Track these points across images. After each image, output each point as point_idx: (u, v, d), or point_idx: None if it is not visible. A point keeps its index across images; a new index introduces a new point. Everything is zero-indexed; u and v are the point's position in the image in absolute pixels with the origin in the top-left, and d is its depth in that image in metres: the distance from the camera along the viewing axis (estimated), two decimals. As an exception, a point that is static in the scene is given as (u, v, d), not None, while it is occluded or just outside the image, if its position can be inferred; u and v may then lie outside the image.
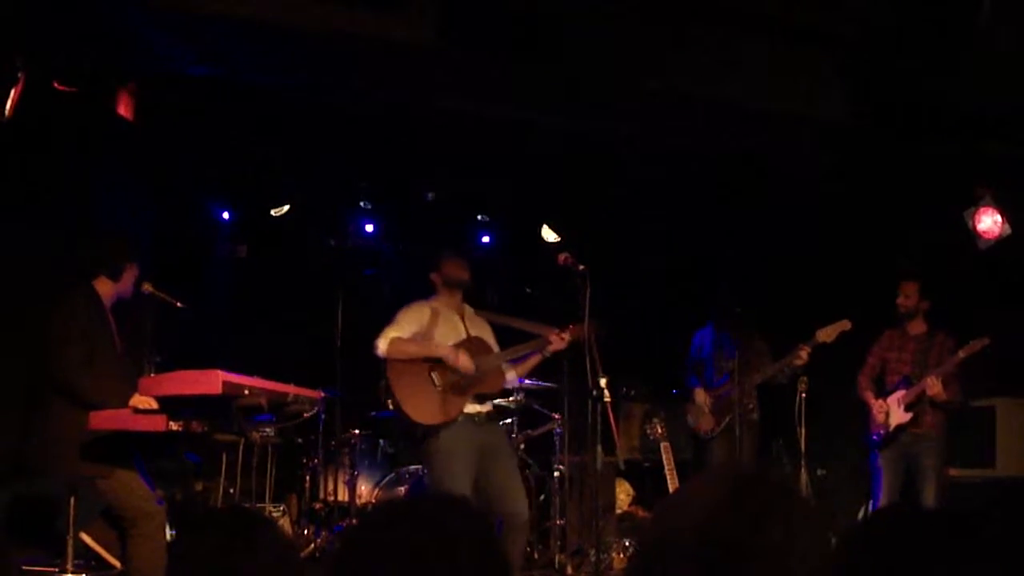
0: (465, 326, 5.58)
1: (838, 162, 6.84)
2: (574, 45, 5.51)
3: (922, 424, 6.38)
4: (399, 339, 5.36)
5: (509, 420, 7.26)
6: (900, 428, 6.42)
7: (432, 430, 5.27)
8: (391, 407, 5.62)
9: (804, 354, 6.45)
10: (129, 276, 4.99)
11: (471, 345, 5.48)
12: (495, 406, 5.61)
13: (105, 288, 4.91)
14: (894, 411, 6.44)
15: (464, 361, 5.31)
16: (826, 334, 6.42)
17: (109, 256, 4.95)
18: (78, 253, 5.07)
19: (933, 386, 6.26)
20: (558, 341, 5.48)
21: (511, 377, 5.67)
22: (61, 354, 4.63)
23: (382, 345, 5.35)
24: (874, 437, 6.53)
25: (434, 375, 5.34)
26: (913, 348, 6.53)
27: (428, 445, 5.30)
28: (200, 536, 1.77)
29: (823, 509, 6.50)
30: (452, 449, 5.24)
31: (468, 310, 5.70)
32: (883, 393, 6.57)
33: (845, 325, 6.41)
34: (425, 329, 5.44)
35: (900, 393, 6.45)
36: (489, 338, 5.67)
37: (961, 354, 6.22)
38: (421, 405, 5.30)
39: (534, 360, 5.60)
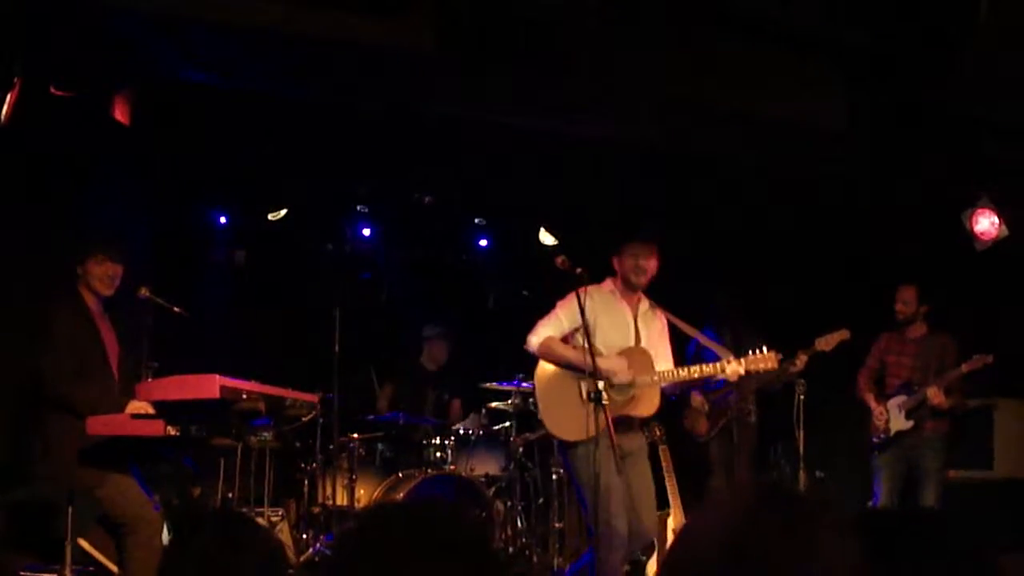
0: (636, 328, 5.06)
1: (837, 164, 6.84)
2: (573, 50, 5.51)
3: (923, 429, 6.39)
4: (554, 339, 4.94)
5: (507, 423, 7.26)
6: (901, 433, 6.43)
7: (572, 443, 4.94)
8: (532, 408, 5.36)
9: (800, 362, 6.40)
10: (96, 270, 4.87)
11: (634, 357, 4.97)
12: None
13: (87, 293, 4.88)
14: (894, 417, 6.44)
15: (621, 374, 4.84)
16: (825, 343, 6.38)
17: (71, 262, 4.89)
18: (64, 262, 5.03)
19: (935, 396, 6.27)
20: (732, 372, 5.00)
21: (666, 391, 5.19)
22: (50, 367, 4.62)
23: (534, 342, 4.96)
24: (874, 440, 6.53)
25: (583, 386, 4.91)
26: (913, 352, 6.54)
27: (569, 454, 5.00)
28: (190, 539, 1.78)
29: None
30: (592, 456, 4.79)
31: (644, 306, 5.16)
32: (882, 395, 6.57)
33: (844, 335, 6.35)
34: (588, 325, 4.85)
35: (901, 399, 6.44)
36: (659, 344, 5.15)
37: (964, 368, 6.24)
38: (564, 419, 4.94)
39: (698, 382, 5.13)
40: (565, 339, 5.08)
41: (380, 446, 7.36)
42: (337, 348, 7.01)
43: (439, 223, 8.43)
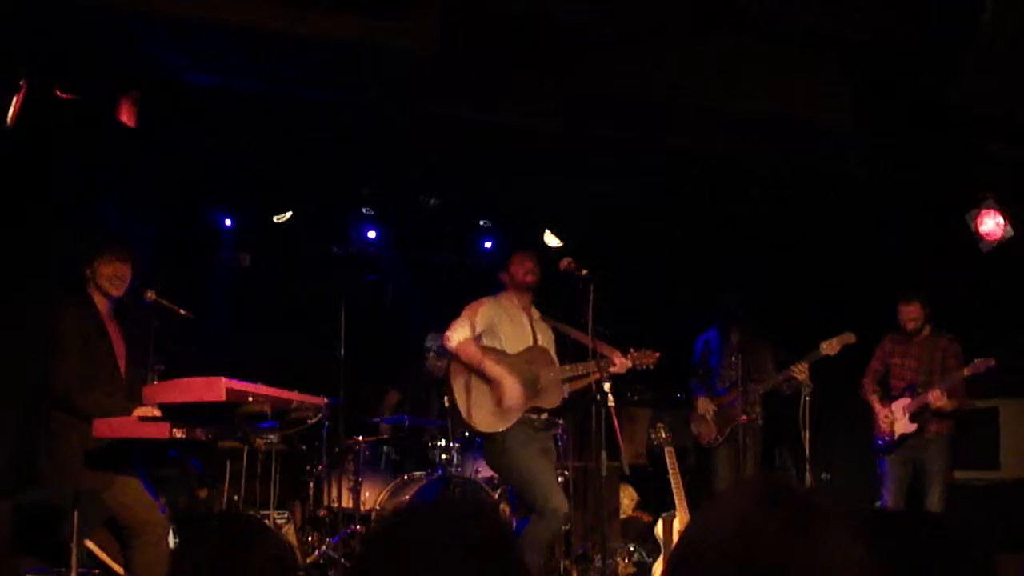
0: (533, 330, 5.60)
1: (841, 165, 6.83)
2: (576, 51, 5.51)
3: (927, 432, 6.39)
4: (470, 341, 5.38)
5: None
6: (905, 435, 6.42)
7: (492, 435, 5.37)
8: (447, 404, 5.70)
9: (800, 371, 6.37)
10: (105, 270, 4.83)
11: (536, 355, 5.52)
12: (549, 414, 5.61)
13: (96, 294, 4.86)
14: (899, 420, 6.44)
15: (513, 399, 5.30)
16: (830, 347, 6.37)
17: (77, 264, 4.87)
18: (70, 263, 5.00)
19: (938, 400, 6.26)
20: (621, 365, 5.51)
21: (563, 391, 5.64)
22: (58, 370, 4.60)
23: (454, 340, 5.37)
24: (879, 442, 6.52)
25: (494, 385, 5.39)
26: (917, 354, 6.53)
27: (491, 448, 5.41)
28: (198, 542, 1.78)
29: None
30: (516, 445, 5.33)
31: (536, 315, 5.71)
32: (887, 396, 6.56)
33: (849, 338, 6.36)
34: (493, 328, 5.48)
35: (905, 401, 6.43)
36: (551, 346, 5.67)
37: (966, 372, 6.24)
38: (480, 412, 5.36)
39: (592, 379, 5.49)
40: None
41: (385, 448, 7.36)
42: (343, 350, 7.02)
43: (444, 225, 8.43)
